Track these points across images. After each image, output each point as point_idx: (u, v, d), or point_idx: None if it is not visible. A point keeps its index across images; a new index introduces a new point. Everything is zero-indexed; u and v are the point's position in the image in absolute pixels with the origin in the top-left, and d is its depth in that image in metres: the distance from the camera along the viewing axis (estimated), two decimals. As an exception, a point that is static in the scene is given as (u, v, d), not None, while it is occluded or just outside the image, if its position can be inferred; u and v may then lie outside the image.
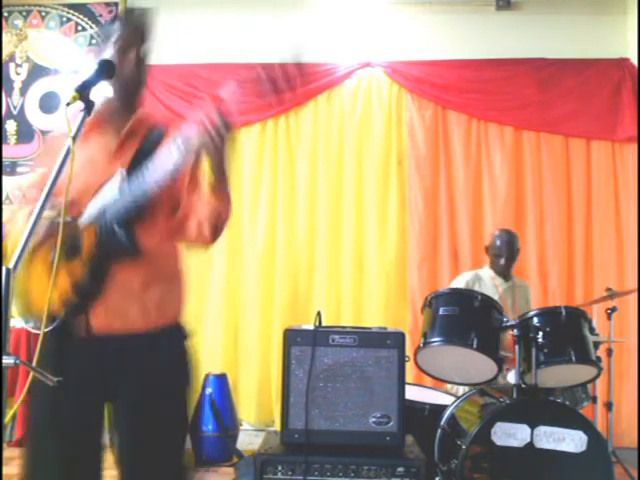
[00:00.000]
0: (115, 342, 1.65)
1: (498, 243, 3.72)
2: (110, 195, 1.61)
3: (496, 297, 3.50)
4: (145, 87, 1.78)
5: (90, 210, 1.62)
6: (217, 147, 1.54)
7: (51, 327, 1.57)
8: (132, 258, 1.63)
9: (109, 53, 1.69)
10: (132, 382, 1.67)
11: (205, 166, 1.64)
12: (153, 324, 1.69)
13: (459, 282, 3.69)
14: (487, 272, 3.75)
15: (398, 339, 2.42)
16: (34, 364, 1.29)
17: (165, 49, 5.11)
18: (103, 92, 1.73)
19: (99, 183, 1.63)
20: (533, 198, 4.71)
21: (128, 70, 1.70)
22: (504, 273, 3.71)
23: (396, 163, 4.80)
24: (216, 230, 1.72)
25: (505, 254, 3.69)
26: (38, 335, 1.40)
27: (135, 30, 1.74)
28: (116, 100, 1.76)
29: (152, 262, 1.68)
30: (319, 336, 2.40)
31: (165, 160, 1.55)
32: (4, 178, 4.82)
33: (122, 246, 1.60)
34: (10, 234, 1.67)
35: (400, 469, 2.31)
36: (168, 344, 1.73)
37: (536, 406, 2.70)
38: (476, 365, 2.84)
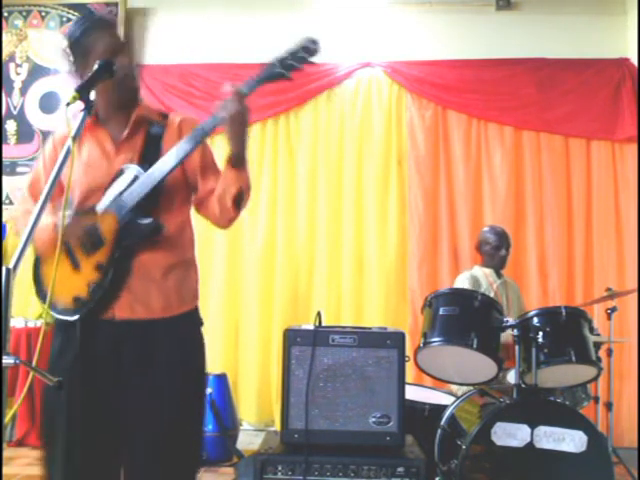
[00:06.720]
0: (137, 328, 1.68)
1: (493, 237, 3.79)
2: (124, 186, 1.68)
3: (491, 294, 3.53)
4: (137, 84, 1.80)
5: (104, 202, 1.69)
6: (242, 120, 1.63)
7: (79, 315, 1.64)
8: (153, 241, 1.69)
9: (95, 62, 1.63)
10: (153, 368, 1.68)
11: (224, 145, 1.68)
12: (173, 310, 1.74)
13: (461, 284, 3.67)
14: (479, 271, 3.79)
15: (398, 339, 2.43)
16: (34, 364, 1.29)
17: (165, 49, 5.16)
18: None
19: (107, 179, 1.70)
20: (533, 198, 4.71)
21: (120, 72, 1.67)
22: (502, 264, 3.78)
23: (396, 163, 4.80)
24: (239, 201, 1.72)
25: (504, 244, 3.79)
26: (38, 334, 1.41)
27: (111, 33, 1.75)
28: (109, 101, 1.76)
29: (171, 249, 1.74)
30: (319, 336, 2.40)
31: (176, 150, 1.66)
32: (4, 178, 4.82)
33: (143, 229, 1.67)
34: (19, 233, 1.73)
35: (400, 469, 2.31)
36: (187, 330, 1.79)
37: (536, 406, 2.69)
38: (476, 365, 2.84)
